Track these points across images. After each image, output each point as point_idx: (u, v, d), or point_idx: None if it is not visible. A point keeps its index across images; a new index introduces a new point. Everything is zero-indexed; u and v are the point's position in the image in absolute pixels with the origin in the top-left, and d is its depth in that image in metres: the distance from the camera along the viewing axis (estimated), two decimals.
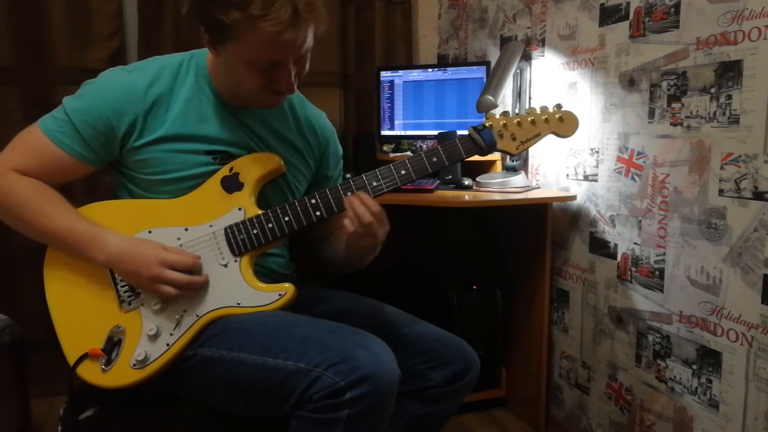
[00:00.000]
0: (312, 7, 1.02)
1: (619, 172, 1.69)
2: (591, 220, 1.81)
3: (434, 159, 1.13)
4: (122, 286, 1.13)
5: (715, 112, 1.39)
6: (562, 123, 1.17)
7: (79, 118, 1.11)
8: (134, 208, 1.17)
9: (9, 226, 1.14)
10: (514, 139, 1.16)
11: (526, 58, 2.06)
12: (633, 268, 1.66)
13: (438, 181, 2.00)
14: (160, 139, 1.13)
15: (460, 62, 2.50)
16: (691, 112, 1.45)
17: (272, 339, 1.05)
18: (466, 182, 2.04)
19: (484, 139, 1.14)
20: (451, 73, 2.25)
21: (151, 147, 1.13)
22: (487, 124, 1.16)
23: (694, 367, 1.48)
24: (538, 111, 1.17)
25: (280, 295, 1.11)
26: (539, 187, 2.05)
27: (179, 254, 1.09)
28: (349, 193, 1.13)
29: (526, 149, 1.18)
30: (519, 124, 1.16)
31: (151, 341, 1.09)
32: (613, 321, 1.74)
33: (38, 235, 1.12)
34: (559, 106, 1.17)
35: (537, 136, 1.17)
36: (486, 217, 2.29)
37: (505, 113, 1.17)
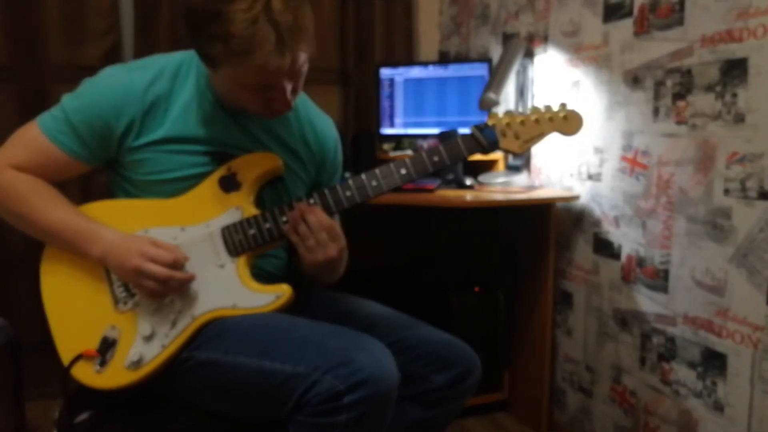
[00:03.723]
0: (297, 31, 0.99)
1: (624, 172, 1.67)
2: (595, 220, 1.79)
3: (435, 158, 1.12)
4: (118, 287, 1.12)
5: (720, 111, 1.38)
6: (567, 122, 1.17)
7: (77, 117, 1.11)
8: (131, 207, 1.16)
9: (3, 228, 1.14)
10: (517, 138, 1.15)
11: (529, 55, 2.05)
12: (638, 269, 1.64)
13: (439, 181, 1.99)
14: (159, 141, 1.13)
15: (461, 59, 2.48)
16: (696, 111, 1.44)
17: (270, 342, 1.03)
18: (468, 181, 2.03)
19: (486, 138, 1.13)
20: (452, 70, 2.23)
21: (149, 148, 1.13)
22: (490, 123, 1.15)
23: (699, 369, 1.46)
24: (543, 110, 1.17)
25: (277, 296, 1.09)
26: (542, 187, 2.04)
27: (163, 249, 1.08)
28: (348, 193, 1.12)
29: (530, 148, 1.17)
30: (523, 123, 1.15)
31: (146, 342, 1.08)
32: (617, 323, 1.73)
33: (36, 230, 1.13)
34: (563, 106, 1.17)
35: (540, 135, 1.16)
36: (488, 218, 2.28)
37: (508, 112, 1.16)
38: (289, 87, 1.07)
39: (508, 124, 1.15)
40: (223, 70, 1.04)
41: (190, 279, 1.09)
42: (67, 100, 1.13)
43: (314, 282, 1.24)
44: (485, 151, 1.15)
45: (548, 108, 1.17)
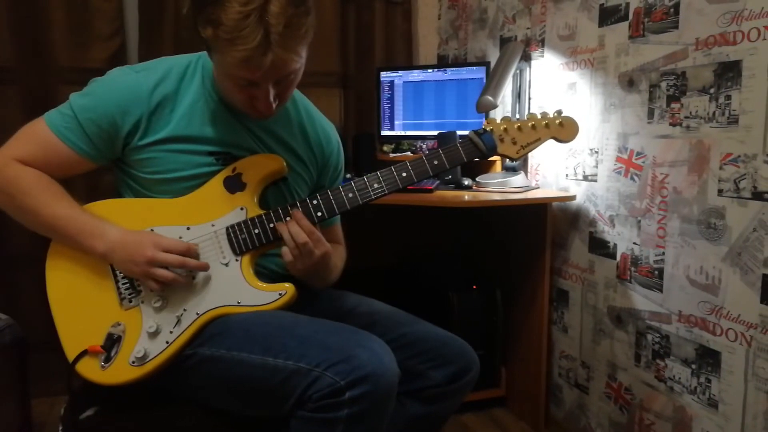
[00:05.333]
0: (288, 35, 0.98)
1: (619, 172, 1.69)
2: (590, 220, 1.81)
3: (435, 162, 1.14)
4: (123, 283, 1.13)
5: (714, 113, 1.39)
6: (563, 128, 1.18)
7: (84, 115, 1.12)
8: (137, 206, 1.17)
9: (9, 226, 1.15)
10: (514, 143, 1.17)
11: (526, 58, 2.06)
12: (632, 268, 1.66)
13: (438, 181, 2.00)
14: (164, 140, 1.14)
15: (459, 63, 2.50)
16: (691, 113, 1.45)
17: (272, 339, 1.05)
18: (466, 182, 2.04)
19: (485, 143, 1.15)
20: (450, 73, 2.25)
21: (154, 147, 1.14)
22: (488, 128, 1.17)
23: (694, 366, 1.48)
24: (539, 116, 1.18)
25: (280, 294, 1.11)
26: (539, 187, 2.05)
27: (174, 240, 1.10)
28: (350, 195, 1.14)
29: (527, 154, 1.19)
30: (520, 128, 1.17)
31: (151, 339, 1.10)
32: (613, 321, 1.75)
33: (39, 225, 1.13)
34: (559, 112, 1.18)
35: (537, 141, 1.18)
36: (486, 217, 2.29)
37: (505, 118, 1.18)
38: (272, 92, 1.07)
39: (505, 130, 1.16)
40: (215, 57, 1.05)
41: (204, 267, 1.10)
42: (75, 98, 1.14)
43: (312, 287, 1.27)
44: (484, 156, 1.16)
45: (544, 114, 1.18)
